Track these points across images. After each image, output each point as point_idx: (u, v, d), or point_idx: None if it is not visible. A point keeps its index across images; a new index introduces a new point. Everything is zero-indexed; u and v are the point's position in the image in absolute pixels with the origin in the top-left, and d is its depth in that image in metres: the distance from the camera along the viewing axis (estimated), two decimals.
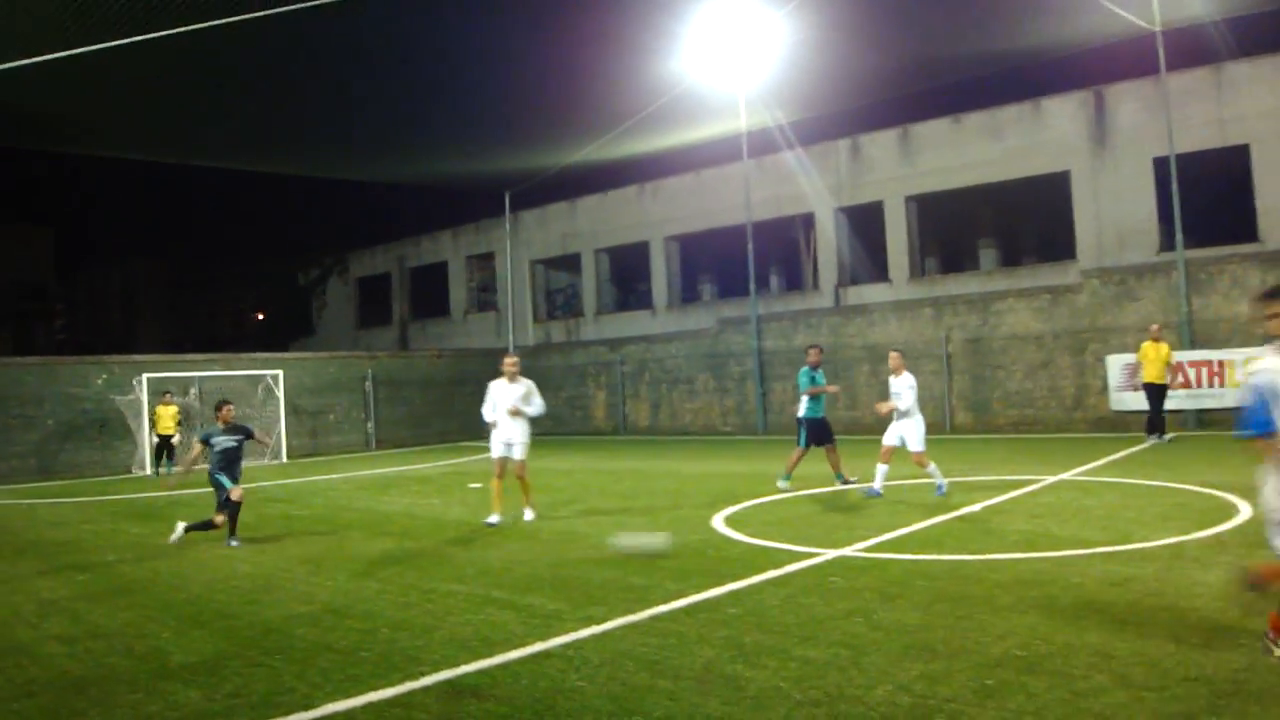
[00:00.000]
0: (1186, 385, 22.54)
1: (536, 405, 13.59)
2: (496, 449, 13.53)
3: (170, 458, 24.95)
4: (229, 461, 12.74)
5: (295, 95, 24.85)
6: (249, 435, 13.52)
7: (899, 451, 14.28)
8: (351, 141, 29.96)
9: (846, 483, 15.72)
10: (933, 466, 14.02)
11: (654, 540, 10.38)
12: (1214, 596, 7.42)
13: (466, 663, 6.65)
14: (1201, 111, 25.17)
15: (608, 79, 25.20)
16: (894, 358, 14.54)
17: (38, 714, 6.08)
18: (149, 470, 26.05)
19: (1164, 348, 20.82)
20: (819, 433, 16.07)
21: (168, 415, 25.03)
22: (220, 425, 12.86)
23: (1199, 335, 23.13)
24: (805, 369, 16.24)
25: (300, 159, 33.30)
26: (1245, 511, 11.04)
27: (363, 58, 22.52)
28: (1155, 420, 20.80)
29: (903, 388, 14.19)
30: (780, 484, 15.82)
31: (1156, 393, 20.77)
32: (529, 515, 13.54)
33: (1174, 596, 7.50)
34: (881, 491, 14.19)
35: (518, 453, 13.48)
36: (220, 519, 12.48)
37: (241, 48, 20.37)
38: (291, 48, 21.19)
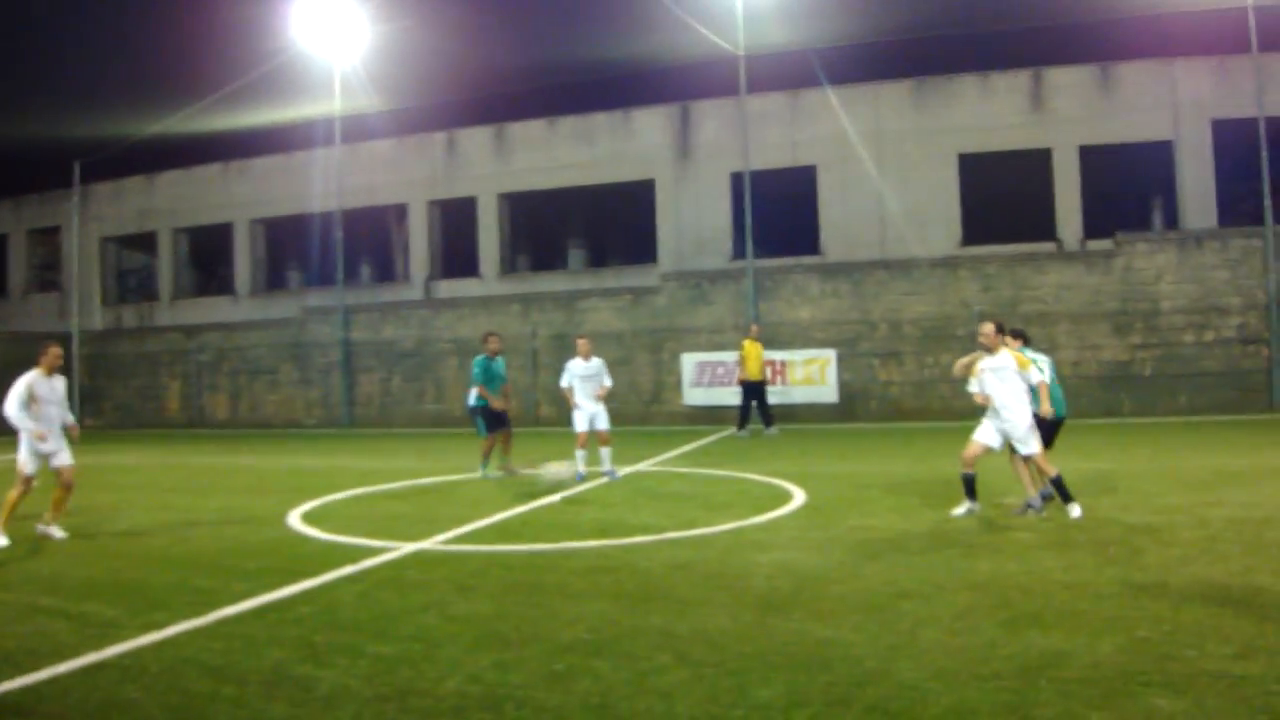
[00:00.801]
0: (774, 382, 24.20)
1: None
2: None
3: None
4: None
5: None
6: None
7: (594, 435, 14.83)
8: None
9: (512, 472, 15.86)
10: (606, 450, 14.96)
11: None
12: (767, 575, 8.02)
13: (9, 679, 6.03)
14: (777, 133, 27.29)
15: (198, 40, 23.89)
16: (583, 343, 15.17)
17: None
18: None
19: (760, 346, 22.36)
20: (495, 419, 16.03)
21: None
22: None
23: (764, 337, 24.97)
24: (482, 357, 16.09)
25: None
26: (800, 497, 12.03)
27: None
28: (747, 414, 22.21)
29: (599, 369, 15.00)
30: (485, 474, 15.76)
31: (755, 389, 22.22)
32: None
33: (732, 577, 8.02)
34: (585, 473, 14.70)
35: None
36: None
37: None
38: None
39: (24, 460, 10.75)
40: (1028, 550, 8.68)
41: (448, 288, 31.76)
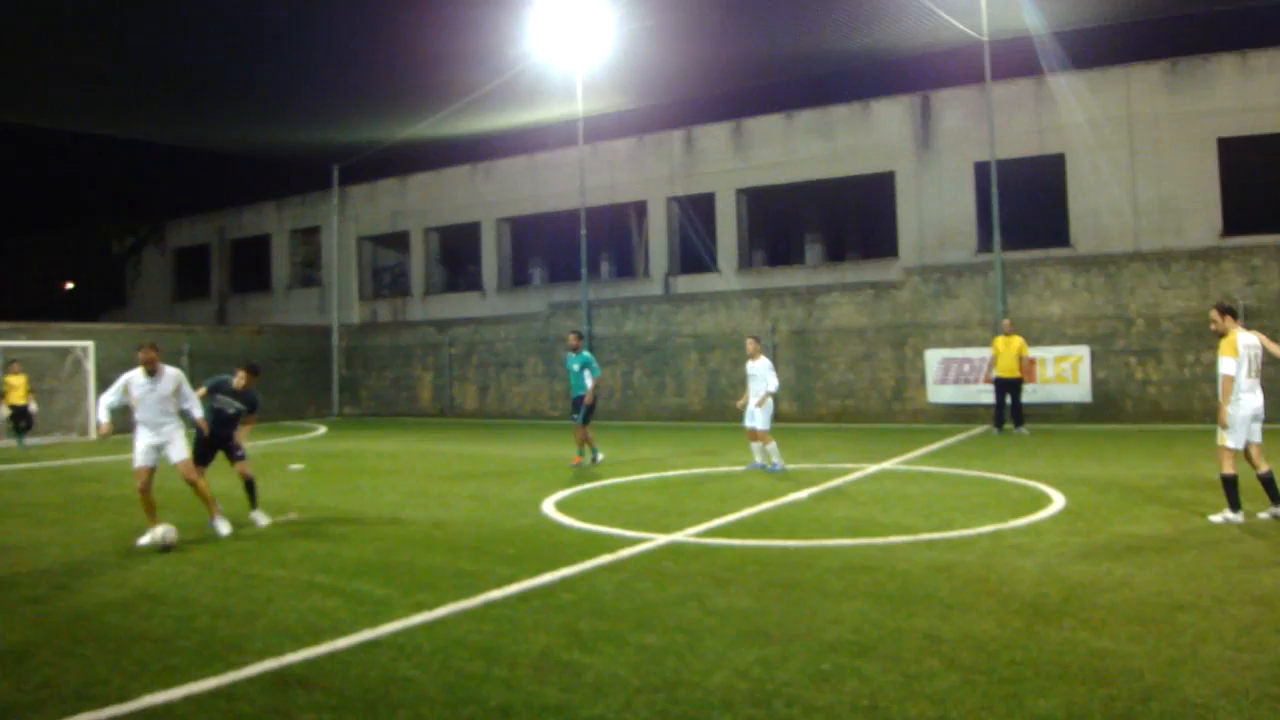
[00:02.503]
0: (1032, 379, 23.25)
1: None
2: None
3: (20, 429, 23.93)
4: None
5: (112, 50, 23.67)
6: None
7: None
8: (171, 102, 28.71)
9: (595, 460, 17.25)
10: (774, 445, 15.50)
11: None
12: (1034, 581, 7.70)
13: (292, 652, 6.40)
14: (1022, 120, 26.29)
15: (445, 55, 24.78)
16: (750, 343, 16.06)
17: None
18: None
19: (1016, 341, 21.61)
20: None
21: (20, 385, 23.84)
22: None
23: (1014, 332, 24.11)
24: (586, 354, 17.69)
25: (114, 118, 31.77)
26: (1059, 501, 11.54)
27: (184, 10, 21.58)
28: (1001, 414, 21.54)
29: (762, 371, 15.63)
30: (599, 459, 17.29)
31: (1007, 386, 21.53)
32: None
33: (996, 582, 7.75)
34: (782, 466, 15.44)
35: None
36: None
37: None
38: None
39: (134, 454, 10.97)
40: None
41: (686, 283, 31.98)
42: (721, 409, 27.26)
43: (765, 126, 30.94)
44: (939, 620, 6.71)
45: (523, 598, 7.67)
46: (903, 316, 25.64)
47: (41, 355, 27.33)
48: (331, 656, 6.33)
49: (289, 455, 20.80)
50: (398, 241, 40.68)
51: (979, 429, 22.11)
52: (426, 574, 8.68)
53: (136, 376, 10.88)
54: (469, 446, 22.10)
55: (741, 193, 31.42)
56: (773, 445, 15.60)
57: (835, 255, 34.60)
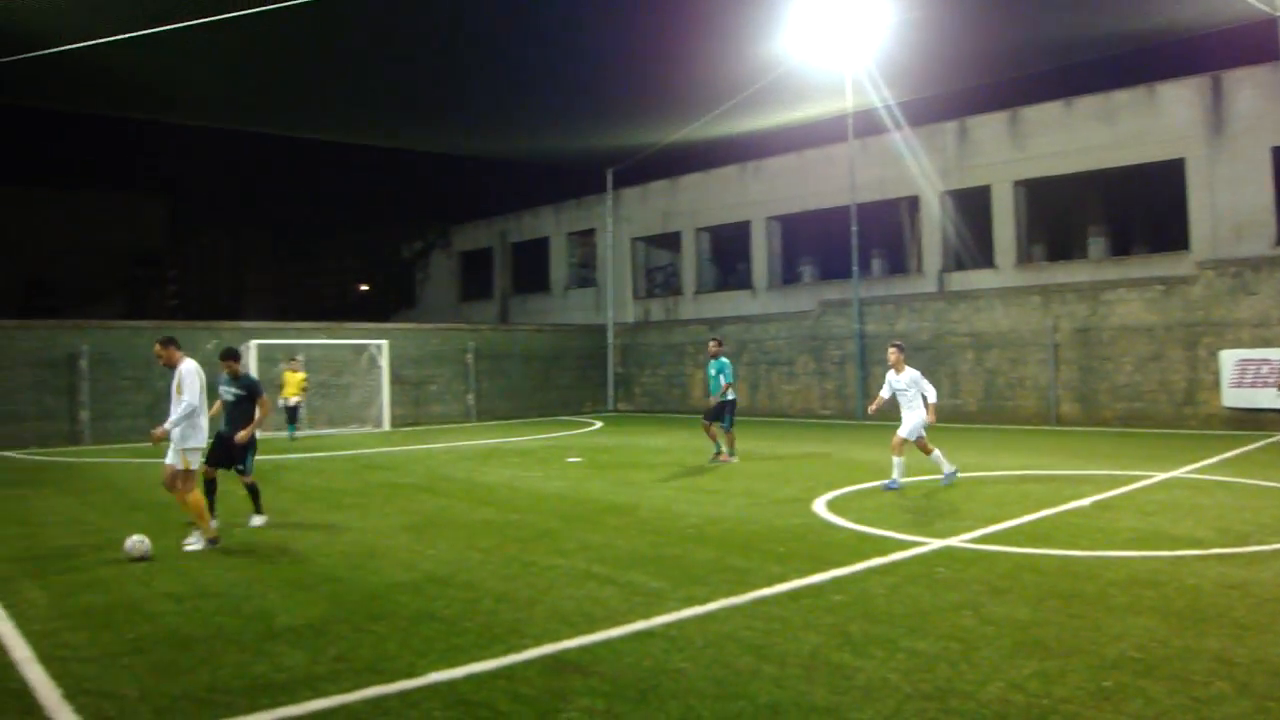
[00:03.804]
0: None
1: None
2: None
3: (291, 421, 25.83)
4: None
5: (404, 69, 25.09)
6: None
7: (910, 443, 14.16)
8: (457, 116, 30.16)
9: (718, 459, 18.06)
10: (900, 460, 13.96)
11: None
12: None
13: (569, 638, 6.63)
14: None
15: (712, 57, 25.00)
16: (893, 353, 14.44)
17: (147, 670, 6.19)
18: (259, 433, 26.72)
19: None
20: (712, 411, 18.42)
21: (295, 381, 25.69)
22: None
23: None
24: (724, 360, 18.41)
25: (407, 133, 33.66)
26: None
27: (470, 32, 22.63)
28: None
29: (907, 384, 14.23)
30: (733, 460, 18.01)
31: None
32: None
33: None
34: (900, 483, 13.90)
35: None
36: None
37: (352, 20, 20.62)
38: (401, 21, 21.37)
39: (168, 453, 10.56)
40: None
41: (961, 279, 31.11)
42: (999, 410, 26.39)
43: (1043, 115, 29.71)
44: (1232, 641, 6.29)
45: (793, 596, 7.66)
46: (1195, 314, 24.06)
47: (340, 352, 29.36)
48: (606, 644, 6.51)
49: (567, 449, 21.50)
50: (669, 242, 41.35)
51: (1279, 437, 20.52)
52: (699, 568, 8.79)
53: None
54: (740, 443, 22.21)
55: (1019, 185, 30.30)
56: (937, 453, 14.17)
57: (1121, 249, 32.84)
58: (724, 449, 18.29)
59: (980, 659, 6.03)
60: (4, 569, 9.46)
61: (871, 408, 14.63)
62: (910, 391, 14.16)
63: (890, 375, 14.38)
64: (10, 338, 25.08)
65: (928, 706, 5.23)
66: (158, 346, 10.80)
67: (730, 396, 18.20)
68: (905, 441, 14.00)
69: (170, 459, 10.40)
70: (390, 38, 22.49)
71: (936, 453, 14.10)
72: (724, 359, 18.48)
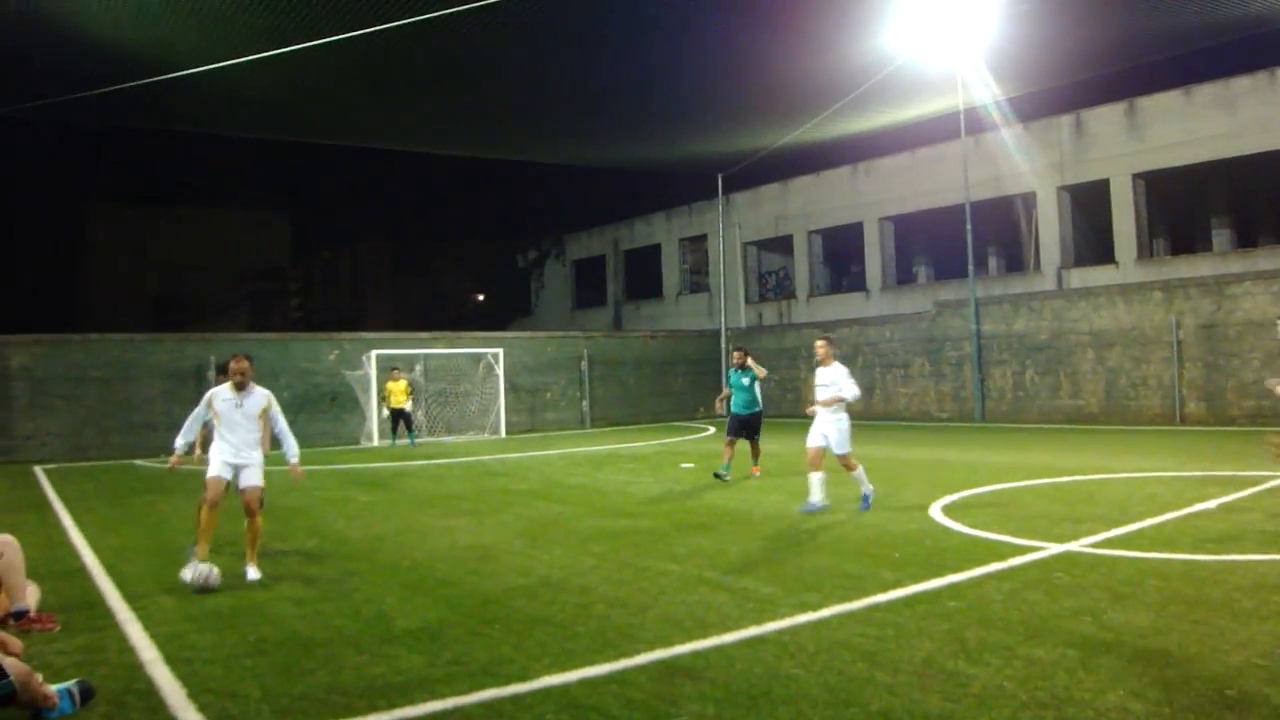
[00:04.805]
0: None
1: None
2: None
3: (409, 428, 26.65)
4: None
5: (518, 82, 25.39)
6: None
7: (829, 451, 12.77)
8: (569, 126, 30.43)
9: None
10: (860, 472, 12.69)
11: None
12: None
13: (681, 643, 6.62)
14: None
15: (821, 57, 24.79)
16: (821, 347, 13.04)
17: (269, 671, 6.35)
18: (376, 441, 27.38)
19: None
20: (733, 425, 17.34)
21: (399, 390, 26.28)
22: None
23: None
24: (751, 371, 17.20)
25: (521, 144, 34.06)
26: None
27: (580, 44, 22.82)
28: None
29: (837, 378, 12.76)
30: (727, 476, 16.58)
31: None
32: None
33: None
34: (823, 505, 12.49)
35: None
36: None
37: (464, 36, 20.91)
38: (513, 35, 21.61)
39: (210, 465, 9.82)
40: None
41: (1080, 276, 30.39)
42: (1122, 411, 25.68)
43: (1161, 105, 28.91)
44: None
45: (908, 602, 7.55)
46: None
47: (458, 361, 29.89)
48: (718, 650, 6.48)
49: (681, 455, 21.50)
50: (781, 245, 41.20)
51: None
52: (811, 574, 8.72)
53: (223, 391, 9.82)
54: (855, 447, 21.98)
55: (1138, 177, 29.51)
56: (860, 471, 12.72)
57: (1246, 241, 31.74)
58: (755, 462, 17.49)
59: (1099, 666, 5.86)
60: (134, 573, 9.79)
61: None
62: (831, 389, 12.74)
63: (819, 371, 13.00)
64: (141, 350, 26.06)
65: (1044, 715, 5.10)
66: (246, 363, 9.90)
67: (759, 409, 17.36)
68: (824, 451, 12.70)
69: (258, 479, 9.88)
70: (505, 50, 22.76)
71: (859, 470, 12.75)
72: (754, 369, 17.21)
